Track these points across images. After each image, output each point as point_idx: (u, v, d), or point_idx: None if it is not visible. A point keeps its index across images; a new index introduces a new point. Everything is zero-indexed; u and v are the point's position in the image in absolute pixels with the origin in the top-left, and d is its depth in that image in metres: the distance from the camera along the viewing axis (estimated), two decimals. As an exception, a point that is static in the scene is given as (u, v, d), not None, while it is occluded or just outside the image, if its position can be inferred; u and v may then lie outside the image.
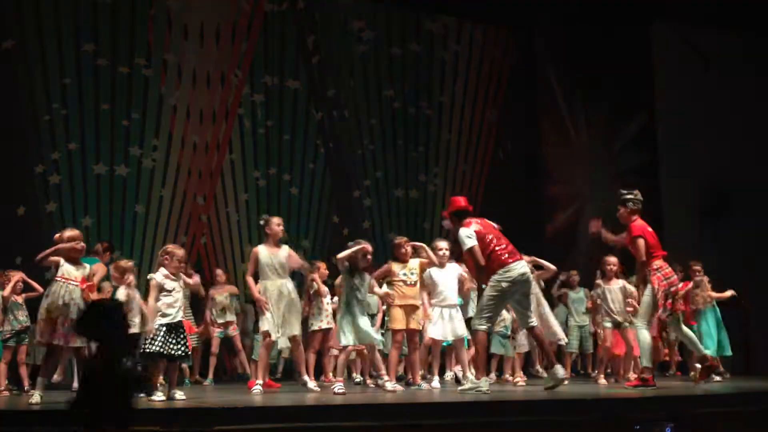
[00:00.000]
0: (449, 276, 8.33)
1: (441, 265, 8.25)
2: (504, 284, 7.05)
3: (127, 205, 11.18)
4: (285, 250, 7.72)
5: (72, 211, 10.80)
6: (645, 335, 7.39)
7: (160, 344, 6.68)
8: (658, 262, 7.35)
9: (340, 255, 7.54)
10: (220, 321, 9.91)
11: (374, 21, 13.32)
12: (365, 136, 13.10)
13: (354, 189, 12.92)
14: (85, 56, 11.04)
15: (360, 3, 13.18)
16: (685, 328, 7.59)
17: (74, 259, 6.64)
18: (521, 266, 7.16)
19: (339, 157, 12.85)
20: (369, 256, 7.50)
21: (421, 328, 8.18)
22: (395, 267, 8.01)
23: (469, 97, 13.95)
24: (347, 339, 7.35)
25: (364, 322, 7.43)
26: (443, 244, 8.34)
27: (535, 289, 8.27)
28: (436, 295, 8.29)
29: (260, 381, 7.52)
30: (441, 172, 13.61)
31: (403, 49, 13.48)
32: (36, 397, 6.40)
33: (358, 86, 13.12)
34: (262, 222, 7.97)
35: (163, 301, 6.80)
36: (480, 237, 7.14)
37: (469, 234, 7.14)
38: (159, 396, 6.69)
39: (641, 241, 7.33)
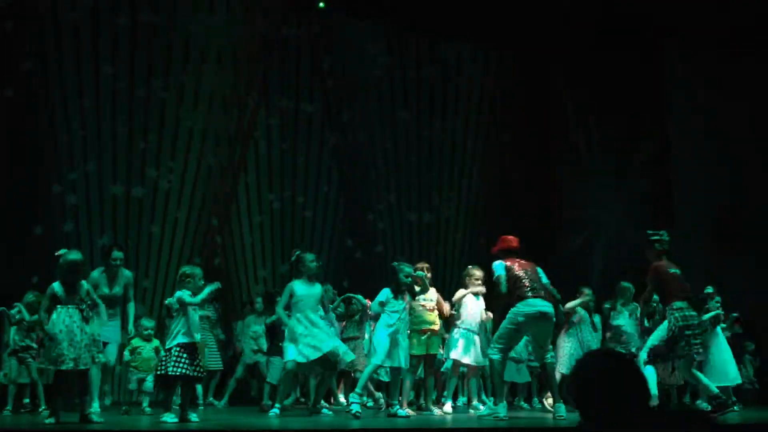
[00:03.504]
0: (479, 304, 8.47)
1: (475, 294, 8.46)
2: (520, 318, 7.16)
3: (143, 226, 11.27)
4: (319, 288, 7.73)
5: (88, 232, 10.90)
6: (649, 369, 7.39)
7: (184, 366, 6.68)
8: (678, 303, 7.31)
9: (374, 304, 7.71)
10: (254, 348, 9.84)
11: (389, 45, 13.44)
12: (379, 160, 13.18)
13: (367, 212, 12.97)
14: (103, 78, 11.19)
15: (375, 27, 13.31)
16: (694, 371, 7.56)
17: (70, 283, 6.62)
18: (540, 304, 7.20)
19: (353, 180, 12.93)
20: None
21: (441, 351, 8.25)
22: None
23: (483, 120, 14.03)
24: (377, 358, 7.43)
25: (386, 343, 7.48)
26: (479, 273, 8.51)
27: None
28: (463, 319, 8.41)
29: (278, 405, 7.53)
30: (455, 196, 13.66)
31: (418, 73, 13.59)
32: (52, 417, 6.43)
33: (373, 110, 13.22)
34: (293, 258, 7.85)
35: (183, 321, 6.81)
36: (509, 269, 7.32)
37: (499, 266, 7.38)
38: (172, 418, 6.68)
39: (650, 285, 7.49)
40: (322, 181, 12.70)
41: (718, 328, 9.17)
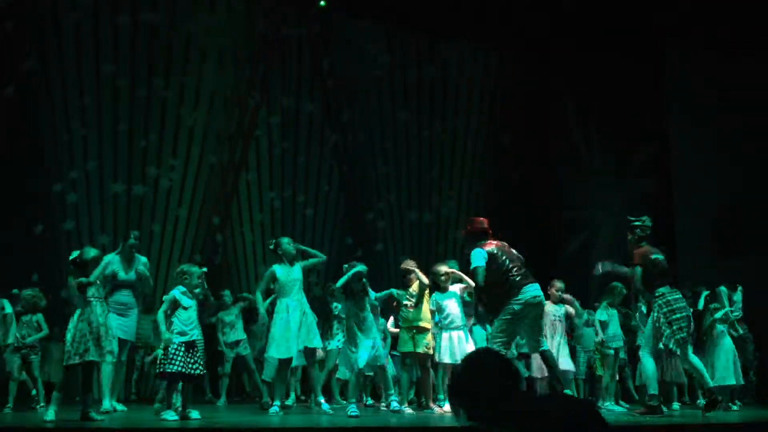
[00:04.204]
0: (453, 299, 8.38)
1: (443, 290, 8.31)
2: (516, 306, 7.00)
3: (144, 224, 11.28)
4: (298, 267, 7.75)
5: (89, 230, 10.91)
6: (649, 363, 7.34)
7: (180, 364, 6.70)
8: (661, 290, 7.27)
9: (338, 284, 7.60)
10: (230, 340, 9.86)
11: (390, 45, 13.46)
12: (379, 159, 13.21)
13: (368, 211, 13.00)
14: (104, 77, 11.21)
15: (376, 27, 13.33)
16: (692, 358, 7.47)
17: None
18: (534, 289, 7.11)
19: (353, 179, 12.96)
20: (363, 279, 7.52)
21: (430, 352, 8.18)
22: (399, 292, 8.07)
23: (483, 121, 14.05)
24: (356, 363, 7.37)
25: (367, 345, 7.42)
26: (443, 269, 8.38)
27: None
28: (442, 319, 8.33)
29: (278, 402, 7.54)
30: (455, 195, 13.68)
31: (418, 73, 13.61)
32: (50, 413, 6.43)
33: (373, 109, 13.24)
34: (272, 246, 7.90)
35: (180, 319, 6.81)
36: (492, 258, 7.07)
37: (479, 255, 7.10)
38: (172, 416, 6.67)
39: (638, 270, 7.36)
40: (322, 180, 12.73)
41: (724, 327, 9.17)
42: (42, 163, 10.78)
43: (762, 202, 12.40)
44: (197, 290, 6.99)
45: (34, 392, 8.67)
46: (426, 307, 8.14)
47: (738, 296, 9.78)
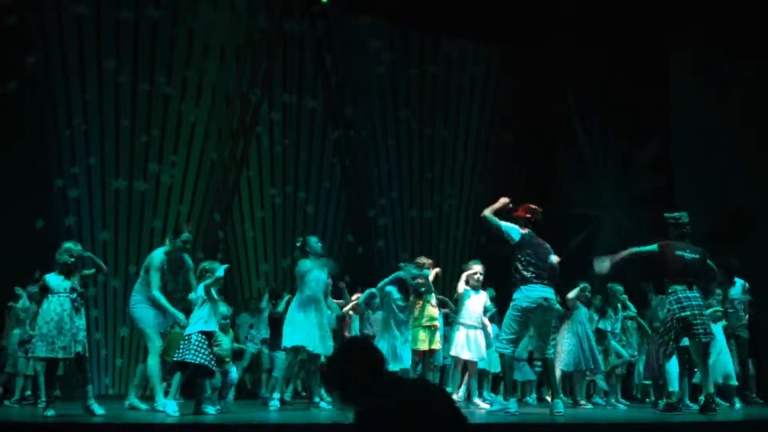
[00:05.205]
0: (480, 300, 8.41)
1: (474, 288, 8.36)
2: (523, 304, 6.98)
3: (145, 220, 11.28)
4: (326, 274, 7.75)
5: (90, 225, 10.91)
6: (671, 363, 7.36)
7: (202, 356, 6.52)
8: (675, 287, 7.30)
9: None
10: (261, 337, 9.89)
11: (393, 42, 13.46)
12: (381, 156, 13.21)
13: (369, 208, 13.00)
14: (106, 73, 11.20)
15: (379, 24, 13.32)
16: (707, 360, 7.46)
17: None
18: (546, 291, 7.05)
19: (355, 176, 12.96)
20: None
21: (440, 347, 8.29)
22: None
23: (485, 119, 14.04)
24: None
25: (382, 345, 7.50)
26: (478, 267, 8.41)
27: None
28: (463, 314, 8.36)
29: (278, 395, 7.54)
30: (456, 193, 13.68)
31: (421, 70, 13.60)
32: (50, 410, 6.39)
33: (375, 106, 13.23)
34: (299, 244, 7.86)
35: (207, 309, 6.70)
36: (527, 240, 7.08)
37: (515, 229, 7.13)
38: (174, 409, 6.45)
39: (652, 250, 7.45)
40: (324, 176, 12.73)
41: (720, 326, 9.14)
42: (43, 159, 10.76)
43: (762, 201, 12.40)
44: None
45: (29, 392, 8.68)
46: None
47: (735, 292, 9.71)
